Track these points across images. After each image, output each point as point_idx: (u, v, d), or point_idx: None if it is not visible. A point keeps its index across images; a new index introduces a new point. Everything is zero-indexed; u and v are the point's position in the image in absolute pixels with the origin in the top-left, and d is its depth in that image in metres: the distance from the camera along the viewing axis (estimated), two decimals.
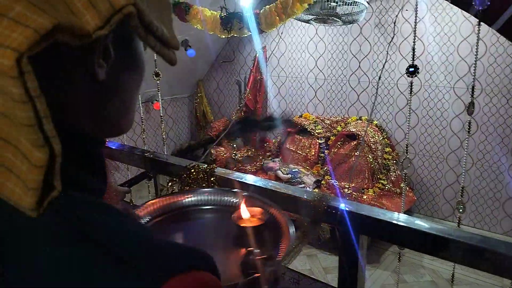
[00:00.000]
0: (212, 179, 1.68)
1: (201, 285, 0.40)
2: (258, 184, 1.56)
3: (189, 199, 1.13)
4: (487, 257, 1.09)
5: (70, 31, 0.32)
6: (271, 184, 1.61)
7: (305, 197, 1.41)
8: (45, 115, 0.32)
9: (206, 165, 1.69)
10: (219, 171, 1.67)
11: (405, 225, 1.23)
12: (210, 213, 1.11)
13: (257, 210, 1.01)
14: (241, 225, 0.96)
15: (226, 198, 1.14)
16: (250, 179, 1.63)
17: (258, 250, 0.81)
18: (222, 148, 4.45)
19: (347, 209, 1.30)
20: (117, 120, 0.49)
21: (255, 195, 1.14)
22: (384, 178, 3.65)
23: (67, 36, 0.32)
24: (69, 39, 0.32)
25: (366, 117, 3.96)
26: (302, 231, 1.49)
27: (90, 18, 0.33)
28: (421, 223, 1.24)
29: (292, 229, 0.95)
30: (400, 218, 1.26)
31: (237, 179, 1.62)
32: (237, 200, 1.11)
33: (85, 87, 0.42)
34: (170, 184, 1.76)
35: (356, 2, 2.97)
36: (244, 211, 0.99)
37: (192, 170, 1.72)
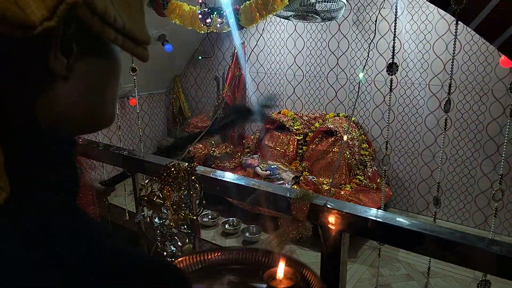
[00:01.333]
0: (193, 178, 1.66)
1: None
2: (239, 183, 1.55)
3: (217, 257, 1.09)
4: (458, 250, 1.13)
5: (12, 21, 0.31)
6: (253, 183, 1.60)
7: (288, 195, 1.40)
8: None
9: (186, 164, 1.66)
10: (200, 170, 1.65)
11: (387, 222, 1.25)
12: (238, 272, 1.08)
13: (289, 270, 0.99)
14: (272, 285, 0.94)
15: (254, 256, 1.11)
16: (231, 177, 1.61)
17: None
18: (200, 145, 4.41)
19: (329, 206, 1.31)
20: (95, 114, 0.47)
21: (285, 253, 1.12)
22: (361, 173, 3.70)
23: (9, 27, 0.31)
24: (12, 31, 0.32)
25: (344, 113, 4.00)
26: (284, 229, 1.49)
27: (35, 9, 0.32)
28: (402, 220, 1.26)
29: None
30: (382, 216, 1.28)
31: (218, 178, 1.61)
32: (266, 259, 1.08)
33: (51, 83, 0.40)
34: (149, 183, 1.72)
35: None
36: (277, 271, 0.97)
37: (172, 169, 1.69)
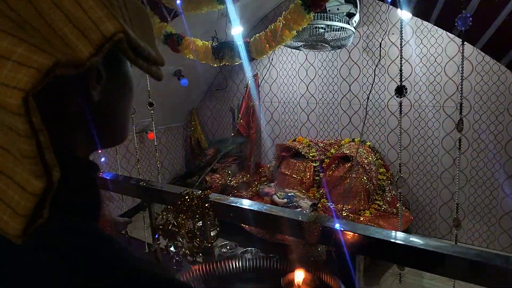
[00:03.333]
0: (206, 205, 1.69)
1: None
2: (252, 208, 1.56)
3: (234, 265, 1.10)
4: (484, 271, 1.09)
5: (68, 64, 0.35)
6: (265, 208, 1.62)
7: (300, 219, 1.41)
8: (46, 147, 0.34)
9: (200, 191, 1.69)
10: (214, 196, 1.67)
11: (401, 242, 1.23)
12: (256, 280, 1.08)
13: (307, 276, 1.00)
14: None
15: (272, 263, 1.11)
16: (245, 203, 1.63)
17: None
18: (217, 175, 4.45)
19: (341, 229, 1.30)
20: (110, 137, 0.52)
21: (304, 261, 1.12)
22: (380, 199, 3.65)
23: (65, 69, 0.35)
24: (67, 71, 0.35)
25: (359, 138, 4.00)
26: (297, 254, 1.48)
27: (83, 48, 0.36)
28: (416, 240, 1.24)
29: None
30: (395, 236, 1.27)
31: (232, 204, 1.62)
32: (283, 266, 1.09)
33: (81, 111, 0.45)
34: (164, 212, 1.75)
35: (344, 28, 3.06)
36: (295, 276, 0.97)
37: (186, 197, 1.72)
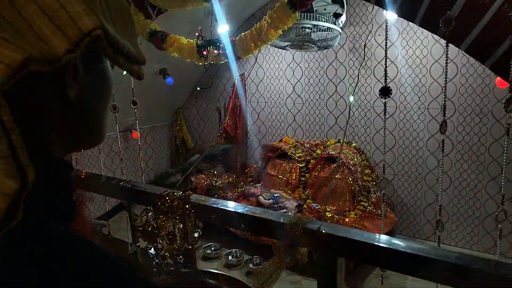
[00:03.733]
0: (187, 206, 1.65)
1: None
2: (235, 210, 1.53)
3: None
4: (466, 275, 1.08)
5: (42, 59, 0.33)
6: (247, 209, 1.59)
7: (282, 220, 1.39)
8: (19, 146, 0.32)
9: (181, 192, 1.65)
10: (195, 198, 1.64)
11: (383, 245, 1.22)
12: None
13: None
14: None
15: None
16: (227, 205, 1.60)
17: None
18: (203, 176, 4.41)
19: (323, 231, 1.28)
20: (91, 135, 0.50)
21: (236, 278, 1.10)
22: (365, 200, 3.65)
23: (39, 65, 0.33)
24: (41, 67, 0.33)
25: (346, 140, 4.00)
26: (278, 255, 1.46)
27: (58, 43, 0.34)
28: (398, 243, 1.23)
29: None
30: (378, 239, 1.25)
31: (213, 205, 1.59)
32: (216, 283, 1.07)
33: (56, 109, 0.43)
34: (143, 213, 1.71)
35: (330, 28, 3.05)
36: None
37: (167, 198, 1.68)
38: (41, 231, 0.40)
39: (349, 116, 3.65)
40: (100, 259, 0.42)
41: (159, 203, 1.69)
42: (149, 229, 1.63)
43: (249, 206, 1.57)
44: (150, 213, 1.69)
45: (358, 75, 3.08)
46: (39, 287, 0.36)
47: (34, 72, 0.33)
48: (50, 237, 0.41)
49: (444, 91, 1.85)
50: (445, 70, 1.84)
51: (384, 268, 1.31)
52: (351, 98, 3.13)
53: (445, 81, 1.86)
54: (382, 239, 1.26)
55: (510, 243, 3.21)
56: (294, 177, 4.07)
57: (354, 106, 3.89)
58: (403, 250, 1.17)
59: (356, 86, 3.11)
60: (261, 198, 3.85)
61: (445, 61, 1.72)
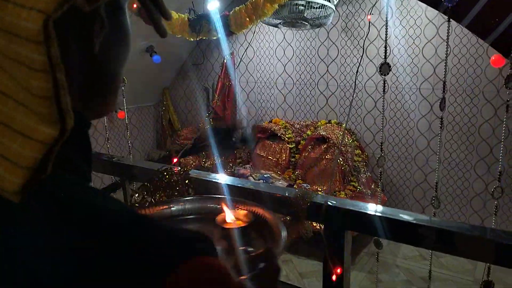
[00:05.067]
0: (186, 181, 1.60)
1: (210, 270, 0.38)
2: (236, 184, 1.49)
3: (170, 209, 1.03)
4: (457, 240, 1.11)
5: None
6: (250, 184, 1.55)
7: (287, 194, 1.35)
8: (63, 87, 0.29)
9: (179, 168, 1.60)
10: (194, 173, 1.59)
11: (390, 217, 1.21)
12: (194, 222, 1.02)
13: (241, 212, 0.96)
14: (227, 227, 0.89)
15: (209, 204, 1.06)
16: (227, 179, 1.56)
17: (252, 248, 0.78)
18: (191, 157, 4.35)
19: (330, 204, 1.26)
20: (104, 98, 0.47)
21: (238, 198, 1.07)
22: (355, 180, 3.66)
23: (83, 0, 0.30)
24: (83, 3, 0.30)
25: (336, 120, 3.98)
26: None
27: None
28: (404, 215, 1.22)
29: (281, 225, 0.89)
30: (384, 211, 1.24)
31: (213, 180, 1.55)
32: (219, 206, 1.04)
33: (80, 60, 0.39)
34: (140, 188, 1.65)
35: (324, 5, 2.99)
36: (228, 214, 0.92)
37: (165, 173, 1.63)
38: (68, 184, 0.37)
39: (351, 103, 3.63)
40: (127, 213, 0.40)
41: (157, 179, 1.64)
42: (146, 205, 1.57)
43: (251, 181, 1.54)
44: (147, 190, 1.64)
45: (361, 57, 3.03)
46: (63, 242, 0.34)
47: (63, 15, 0.29)
48: (78, 189, 0.39)
49: (445, 66, 1.83)
50: (446, 46, 1.81)
51: (394, 240, 1.30)
52: (354, 87, 3.09)
53: (446, 55, 1.84)
54: (389, 211, 1.25)
55: (497, 223, 3.27)
56: (284, 158, 4.05)
57: (345, 87, 3.86)
58: (414, 222, 1.16)
59: (359, 65, 3.07)
60: (251, 178, 3.82)
61: (440, 41, 1.70)
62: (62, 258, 0.33)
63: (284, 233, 0.83)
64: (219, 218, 0.93)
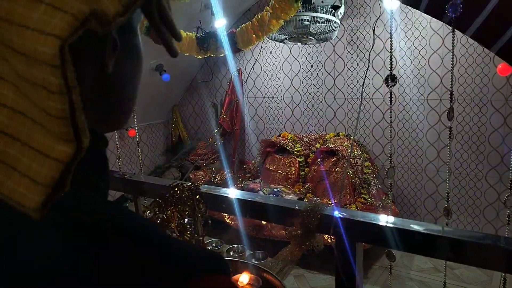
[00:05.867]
0: (197, 197, 1.62)
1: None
2: (246, 198, 1.50)
3: None
4: (470, 249, 1.10)
5: (100, 17, 0.31)
6: (259, 198, 1.56)
7: (297, 207, 1.36)
8: (79, 107, 0.30)
9: (190, 183, 1.62)
10: (205, 188, 1.61)
11: (401, 227, 1.20)
12: None
13: (250, 276, 0.96)
14: None
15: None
16: (237, 194, 1.57)
17: None
18: (201, 172, 4.37)
19: (341, 216, 1.26)
20: (118, 114, 0.48)
21: (246, 261, 1.08)
22: (365, 192, 3.65)
23: (97, 23, 0.31)
24: (96, 27, 0.31)
25: (344, 133, 3.99)
26: (294, 243, 1.44)
27: (110, 4, 0.32)
28: (416, 226, 1.22)
29: None
30: (395, 222, 1.24)
31: (224, 195, 1.56)
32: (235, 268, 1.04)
33: (94, 82, 0.41)
34: (152, 204, 1.67)
35: (329, 20, 3.03)
36: (243, 278, 0.93)
37: (176, 189, 1.65)
38: (81, 202, 0.38)
39: (358, 116, 3.64)
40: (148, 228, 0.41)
41: (168, 195, 1.66)
42: (158, 221, 1.59)
43: (261, 195, 1.55)
44: (158, 205, 1.66)
45: (367, 69, 3.04)
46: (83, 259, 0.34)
47: (82, 36, 0.31)
48: (97, 204, 0.40)
49: (451, 76, 1.84)
50: (451, 56, 1.83)
51: (406, 251, 1.29)
52: (361, 99, 3.09)
53: (451, 66, 1.85)
54: (400, 222, 1.24)
55: (510, 232, 3.22)
56: (293, 172, 4.05)
57: (352, 99, 3.88)
58: (425, 232, 1.15)
59: (365, 76, 3.08)
60: (261, 193, 3.82)
61: (445, 51, 1.71)
62: (76, 272, 0.33)
63: None
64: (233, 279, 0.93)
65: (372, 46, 3.34)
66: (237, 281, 0.91)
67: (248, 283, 0.92)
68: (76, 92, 0.30)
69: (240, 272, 0.96)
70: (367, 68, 3.21)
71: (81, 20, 0.29)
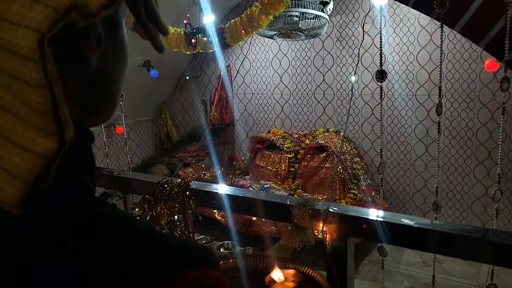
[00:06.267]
0: (187, 193, 1.60)
1: (208, 282, 0.37)
2: (236, 194, 1.49)
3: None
4: (458, 242, 1.11)
5: (83, 9, 0.30)
6: (250, 193, 1.55)
7: (288, 202, 1.35)
8: (61, 100, 0.30)
9: (179, 180, 1.60)
10: (195, 184, 1.59)
11: (391, 221, 1.21)
12: (242, 280, 0.99)
13: (290, 272, 0.94)
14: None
15: (254, 261, 1.04)
16: (227, 190, 1.56)
17: None
18: (190, 169, 4.35)
19: (332, 210, 1.26)
20: (102, 108, 0.47)
21: (287, 257, 1.06)
22: (355, 187, 3.66)
23: (78, 16, 0.30)
24: (78, 19, 0.30)
25: (333, 129, 4.00)
26: (285, 239, 1.43)
27: None
28: (406, 220, 1.22)
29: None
30: (386, 216, 1.24)
31: (214, 191, 1.55)
32: (266, 264, 1.02)
33: (76, 74, 0.40)
34: (141, 201, 1.65)
35: (318, 16, 3.03)
36: (276, 274, 0.91)
37: (166, 185, 1.63)
38: (65, 195, 0.37)
39: (348, 110, 3.64)
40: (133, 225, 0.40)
41: (157, 191, 1.64)
42: (147, 218, 1.57)
43: (252, 190, 1.54)
44: (149, 202, 1.64)
45: (357, 65, 3.05)
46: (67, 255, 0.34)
47: (58, 32, 0.30)
48: (82, 198, 0.39)
49: (439, 71, 1.85)
50: (440, 51, 1.83)
51: (397, 245, 1.30)
52: (353, 79, 3.10)
53: (440, 61, 1.85)
54: (390, 216, 1.25)
55: (498, 226, 3.27)
56: (283, 168, 4.05)
57: (342, 95, 3.89)
58: (416, 226, 1.16)
59: (357, 65, 3.08)
60: (251, 189, 3.81)
61: (440, 42, 1.72)
62: (60, 265, 0.33)
63: None
64: (267, 278, 0.91)
65: (362, 42, 3.35)
66: (271, 280, 0.88)
67: (287, 280, 0.89)
68: (58, 85, 0.29)
69: (269, 269, 0.94)
70: (357, 64, 3.22)
71: (61, 12, 0.29)
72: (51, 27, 0.28)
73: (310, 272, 0.93)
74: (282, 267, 0.94)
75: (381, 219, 1.22)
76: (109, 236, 0.35)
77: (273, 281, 0.89)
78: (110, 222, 0.37)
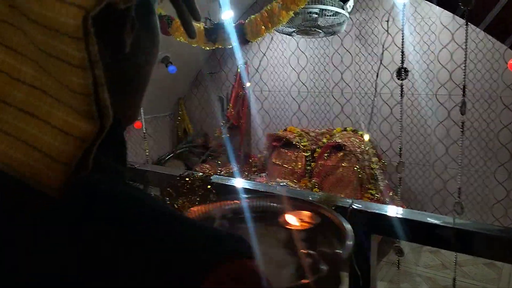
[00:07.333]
0: (208, 186, 1.61)
1: (249, 274, 0.35)
2: (257, 189, 1.49)
3: (231, 206, 0.99)
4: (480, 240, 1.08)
5: None
6: (271, 188, 1.55)
7: (310, 198, 1.35)
8: (101, 83, 0.29)
9: (201, 173, 1.61)
10: (216, 178, 1.60)
11: (415, 219, 1.19)
12: (255, 221, 0.98)
13: (306, 213, 0.92)
14: (292, 228, 0.86)
15: (272, 203, 1.02)
16: (248, 184, 1.56)
17: (319, 250, 0.73)
18: (207, 165, 4.36)
19: (355, 207, 1.25)
20: (133, 101, 0.46)
21: (304, 198, 1.04)
22: (372, 187, 3.63)
23: None
24: (120, 1, 0.30)
25: (351, 127, 3.97)
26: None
27: None
28: (430, 218, 1.20)
29: (348, 227, 0.86)
30: (409, 214, 1.23)
31: (235, 185, 1.55)
32: (282, 205, 1.00)
33: (111, 61, 0.38)
34: (162, 194, 1.66)
35: (337, 13, 3.01)
36: (292, 215, 0.89)
37: (187, 179, 1.63)
38: (100, 183, 0.36)
39: (371, 112, 3.61)
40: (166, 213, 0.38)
41: (179, 185, 1.65)
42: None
43: (275, 186, 1.54)
44: (170, 195, 1.65)
45: (380, 63, 3.01)
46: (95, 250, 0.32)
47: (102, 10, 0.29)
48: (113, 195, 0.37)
49: (464, 70, 1.81)
50: (465, 49, 1.80)
51: (419, 243, 1.28)
52: (374, 96, 3.06)
53: (464, 59, 1.82)
54: (415, 214, 1.23)
55: None
56: (299, 166, 4.03)
57: (360, 94, 3.85)
58: (441, 224, 1.14)
59: (378, 75, 3.06)
60: (271, 184, 3.80)
61: (464, 40, 1.69)
62: (92, 252, 0.32)
63: (351, 237, 0.80)
64: (282, 218, 0.89)
65: (386, 39, 3.31)
66: (286, 221, 0.86)
67: (302, 220, 0.86)
68: (99, 67, 0.28)
69: (283, 211, 0.91)
70: (380, 62, 3.18)
71: None
72: (95, 5, 0.27)
73: (328, 213, 0.90)
74: (298, 209, 0.91)
75: (404, 217, 1.21)
76: (144, 224, 0.34)
77: (287, 222, 0.87)
78: (144, 208, 0.36)
